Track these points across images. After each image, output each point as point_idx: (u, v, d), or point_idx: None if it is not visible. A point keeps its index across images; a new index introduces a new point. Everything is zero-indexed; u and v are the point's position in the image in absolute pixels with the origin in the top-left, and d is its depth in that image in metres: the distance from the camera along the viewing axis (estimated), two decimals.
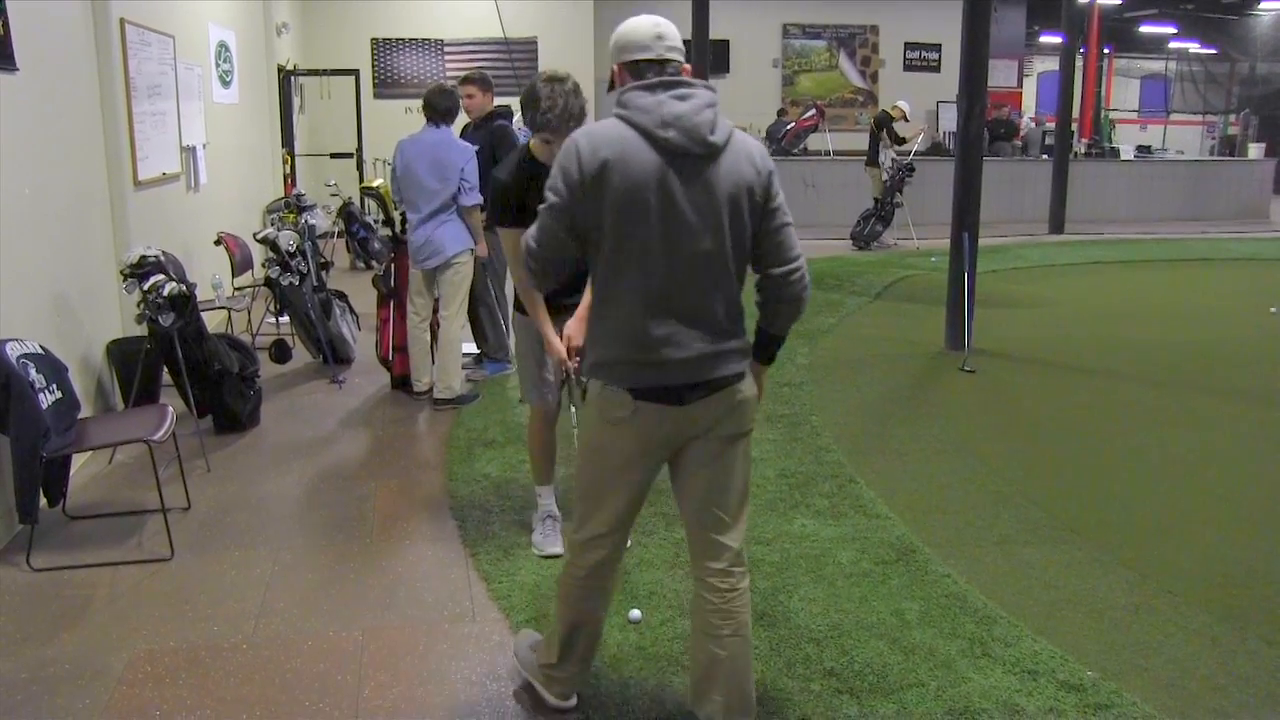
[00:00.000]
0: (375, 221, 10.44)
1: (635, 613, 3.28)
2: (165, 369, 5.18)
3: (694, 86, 2.31)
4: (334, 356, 6.45)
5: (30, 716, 2.80)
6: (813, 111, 15.63)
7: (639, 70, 2.35)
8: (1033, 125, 18.77)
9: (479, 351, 6.42)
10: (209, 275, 6.93)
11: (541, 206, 2.36)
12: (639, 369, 2.35)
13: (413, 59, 14.78)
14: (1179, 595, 3.52)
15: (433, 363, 5.77)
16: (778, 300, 2.45)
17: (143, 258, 4.90)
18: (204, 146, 7.84)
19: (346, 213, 10.22)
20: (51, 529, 4.00)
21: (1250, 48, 25.37)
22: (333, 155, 12.44)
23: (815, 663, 3.02)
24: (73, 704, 2.85)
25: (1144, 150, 19.15)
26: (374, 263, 9.97)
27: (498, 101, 6.23)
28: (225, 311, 6.97)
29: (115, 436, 4.13)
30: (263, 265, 6.76)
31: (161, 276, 4.85)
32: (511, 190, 3.43)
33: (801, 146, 15.58)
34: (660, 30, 2.36)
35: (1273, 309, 8.88)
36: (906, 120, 12.79)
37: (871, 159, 12.64)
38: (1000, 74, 18.35)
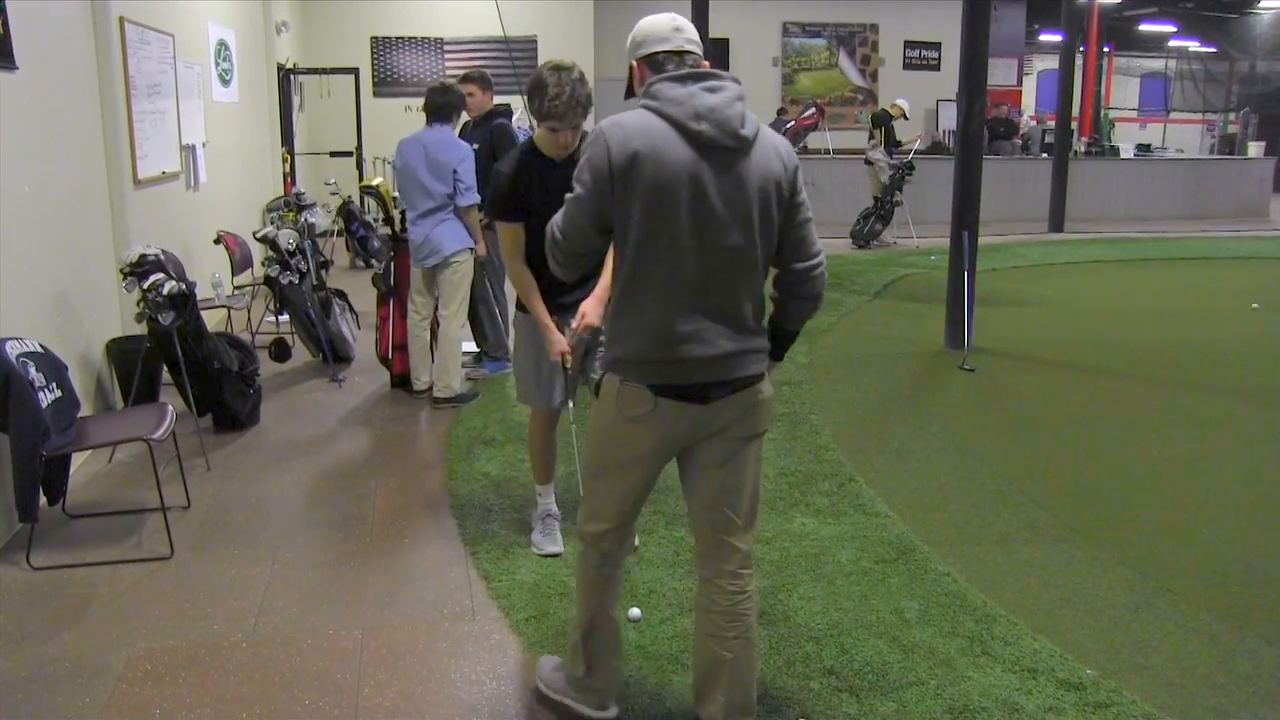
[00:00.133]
0: (375, 220, 10.45)
1: (635, 611, 3.27)
2: (165, 367, 5.18)
3: (723, 79, 2.29)
4: (334, 355, 6.45)
5: (30, 715, 2.80)
6: (812, 110, 15.62)
7: (658, 63, 2.34)
8: (1033, 123, 18.77)
9: (479, 350, 6.43)
10: (209, 274, 6.93)
11: (568, 196, 2.33)
12: (663, 366, 2.31)
13: (412, 58, 14.78)
14: (1178, 594, 3.52)
15: (432, 361, 5.77)
16: (799, 296, 2.44)
17: (142, 256, 4.90)
18: (203, 145, 7.84)
19: (346, 211, 10.22)
20: (51, 528, 4.00)
21: (1250, 46, 25.36)
22: (332, 154, 12.43)
23: (815, 661, 3.02)
24: (72, 702, 2.85)
25: (1144, 149, 19.16)
26: (373, 261, 9.96)
27: (497, 100, 6.23)
28: (225, 310, 6.96)
29: (115, 435, 4.13)
30: (262, 264, 6.76)
31: (161, 275, 4.85)
32: (513, 183, 3.41)
33: (801, 145, 15.57)
34: (678, 23, 2.37)
35: (1255, 305, 8.91)
36: (906, 119, 12.81)
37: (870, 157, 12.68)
38: (1000, 72, 18.34)
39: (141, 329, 4.99)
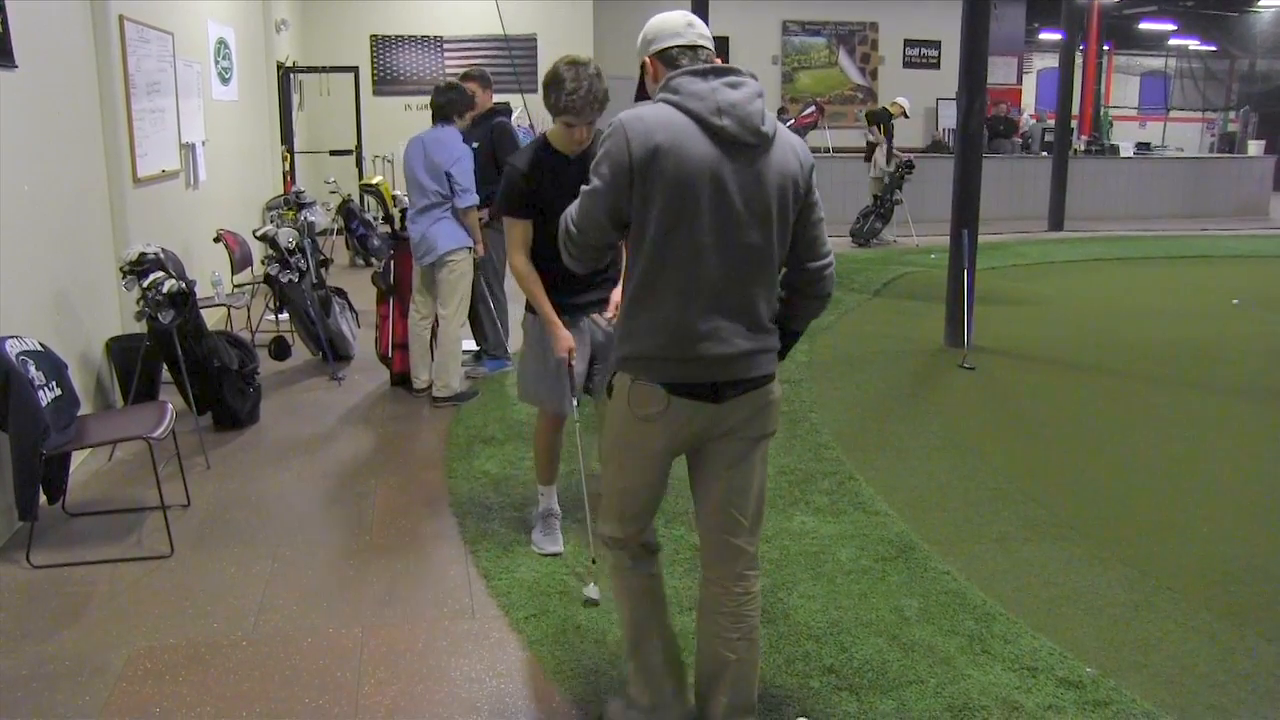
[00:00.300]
0: (374, 219, 10.44)
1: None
2: (165, 366, 5.18)
3: (743, 75, 2.28)
4: (333, 354, 6.45)
5: (30, 713, 2.80)
6: (812, 109, 15.60)
7: (672, 58, 2.32)
8: (1032, 122, 18.75)
9: (478, 349, 6.43)
10: (208, 272, 6.93)
11: (585, 189, 2.29)
12: (679, 364, 2.28)
13: (412, 56, 14.76)
14: (1178, 592, 3.52)
15: (432, 360, 5.77)
16: (810, 296, 2.43)
17: (142, 255, 4.90)
18: (203, 144, 7.84)
19: (346, 210, 10.22)
20: (51, 526, 4.01)
21: (1250, 44, 25.33)
22: (332, 152, 12.42)
23: (814, 659, 3.02)
24: (73, 700, 2.85)
25: (1143, 147, 19.13)
26: (373, 260, 9.96)
27: (497, 98, 6.23)
28: (225, 309, 6.96)
29: (115, 434, 4.14)
30: (262, 262, 6.76)
31: (161, 273, 4.85)
32: (526, 179, 3.39)
33: None
34: (691, 19, 2.37)
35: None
36: (906, 117, 12.81)
37: (869, 155, 12.67)
38: (1000, 71, 18.31)
39: (141, 327, 4.99)
